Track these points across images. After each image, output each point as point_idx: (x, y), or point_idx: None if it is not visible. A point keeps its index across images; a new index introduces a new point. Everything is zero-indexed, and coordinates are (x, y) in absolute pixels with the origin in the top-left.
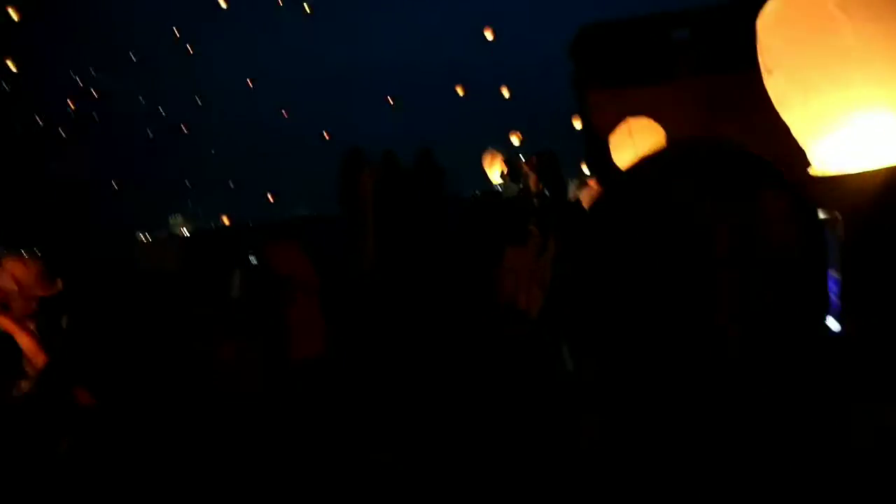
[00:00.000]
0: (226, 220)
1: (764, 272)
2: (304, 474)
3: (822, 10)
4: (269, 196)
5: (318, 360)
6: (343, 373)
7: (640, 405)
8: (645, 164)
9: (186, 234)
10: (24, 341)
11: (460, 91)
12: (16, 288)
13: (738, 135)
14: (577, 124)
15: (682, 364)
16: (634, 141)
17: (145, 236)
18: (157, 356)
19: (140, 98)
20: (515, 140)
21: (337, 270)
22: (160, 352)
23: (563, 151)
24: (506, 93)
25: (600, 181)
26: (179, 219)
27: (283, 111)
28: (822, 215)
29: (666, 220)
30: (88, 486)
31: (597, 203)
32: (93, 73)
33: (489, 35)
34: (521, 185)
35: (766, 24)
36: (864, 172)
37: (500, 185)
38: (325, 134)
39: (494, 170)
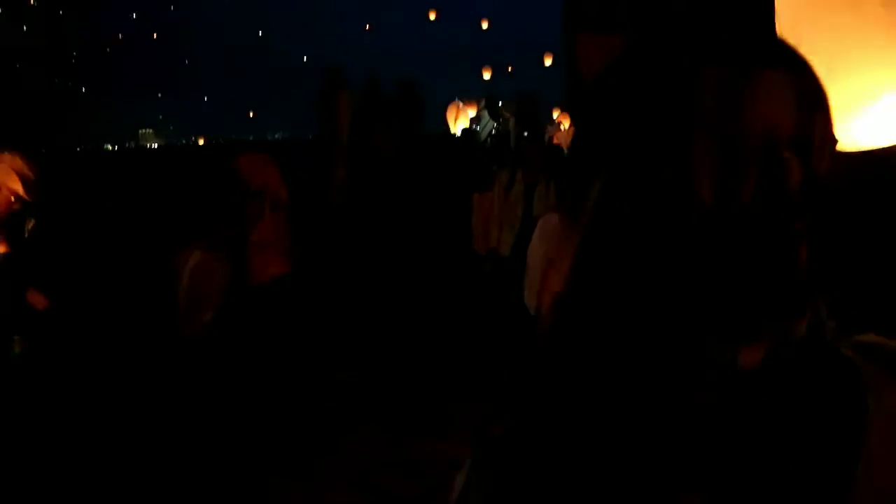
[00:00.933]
0: (200, 141)
1: (744, 150)
2: (266, 393)
3: None
4: (251, 113)
5: (282, 280)
6: (306, 293)
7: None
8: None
9: (155, 146)
10: None
11: (433, 15)
12: (19, 184)
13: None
14: (548, 61)
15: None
16: None
17: (113, 147)
18: (119, 264)
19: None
20: (487, 75)
21: (307, 191)
22: (123, 259)
23: (538, 92)
24: (484, 24)
25: (574, 122)
26: (150, 133)
27: (259, 31)
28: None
29: (655, 80)
30: (41, 389)
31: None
32: None
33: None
34: (497, 125)
35: (785, 2)
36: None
37: (475, 125)
38: (304, 58)
39: (459, 123)
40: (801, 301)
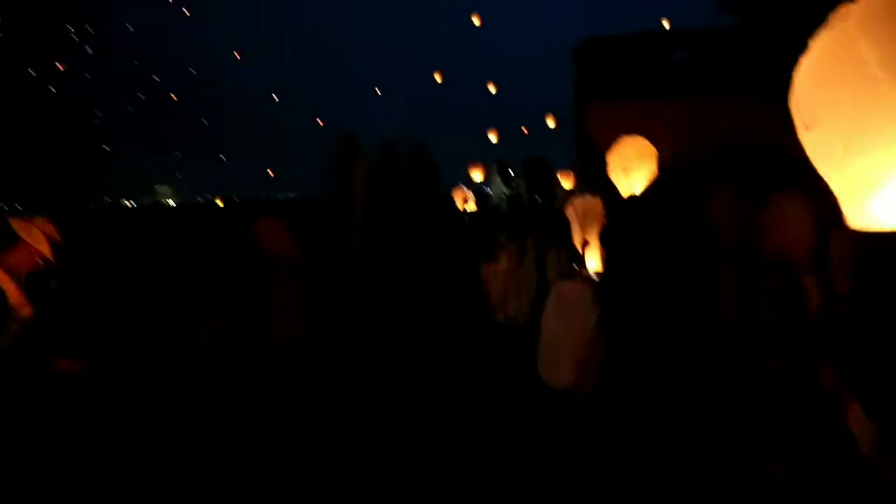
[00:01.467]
0: (219, 202)
1: (764, 270)
2: (278, 455)
3: (862, 68)
4: (269, 172)
5: (297, 342)
6: (321, 357)
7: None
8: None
9: (172, 203)
10: (13, 291)
11: (438, 78)
12: (47, 247)
13: (732, 157)
14: (550, 123)
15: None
16: (622, 158)
17: (130, 203)
18: (138, 325)
19: (134, 61)
20: (493, 137)
21: (322, 254)
22: (142, 320)
23: (549, 156)
24: (492, 88)
25: (591, 190)
26: (167, 189)
27: (272, 94)
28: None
29: (680, 214)
30: (59, 444)
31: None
32: (88, 30)
33: (476, 21)
34: (509, 190)
35: (802, 79)
36: None
37: (487, 188)
38: (318, 121)
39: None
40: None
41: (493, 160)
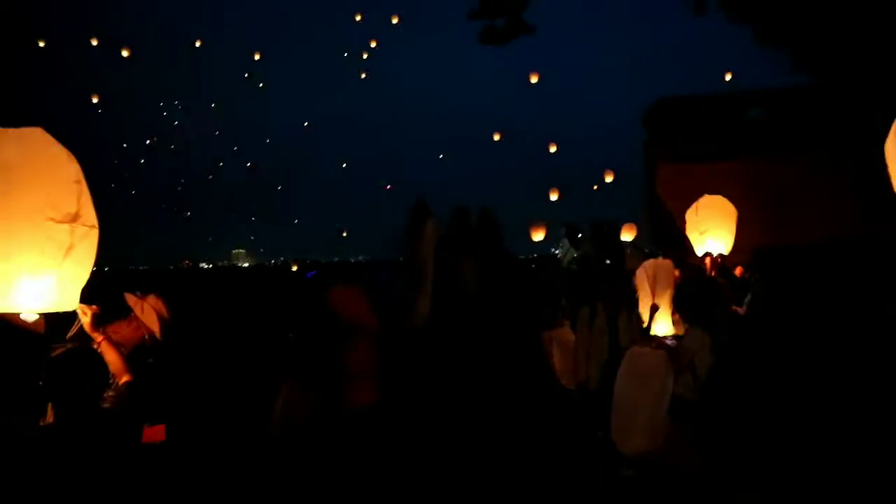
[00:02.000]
0: (293, 266)
1: None
2: None
3: None
4: (343, 233)
5: (374, 408)
6: (397, 423)
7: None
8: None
9: (246, 265)
10: (113, 358)
11: (497, 136)
12: (157, 326)
13: (803, 217)
14: (609, 178)
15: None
16: (699, 216)
17: (208, 265)
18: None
19: (216, 132)
20: (554, 196)
21: (395, 319)
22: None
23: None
24: (553, 148)
25: (664, 253)
26: (242, 252)
27: (343, 164)
28: None
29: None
30: None
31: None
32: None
33: (534, 79)
34: (577, 253)
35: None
36: None
37: (559, 251)
38: (387, 186)
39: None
40: None
41: (560, 223)
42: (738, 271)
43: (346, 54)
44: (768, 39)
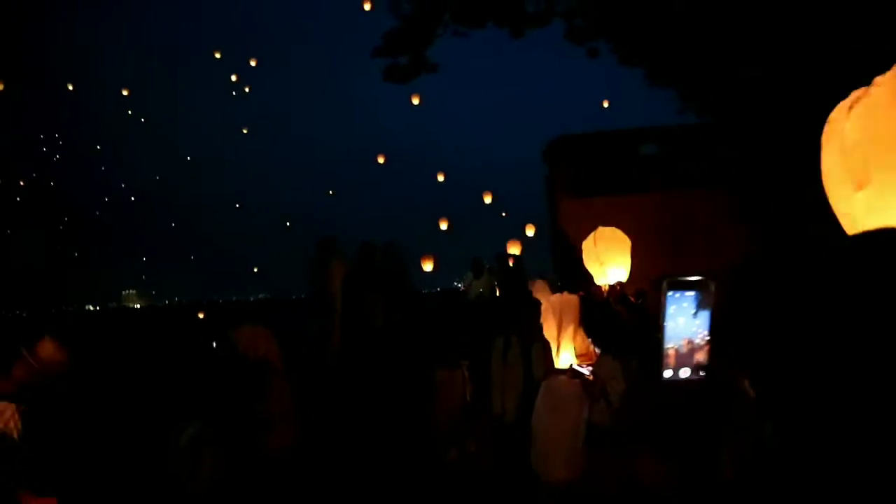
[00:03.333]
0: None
1: None
2: None
3: None
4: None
5: (294, 450)
6: (318, 462)
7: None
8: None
9: (137, 307)
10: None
11: (381, 159)
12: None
13: (700, 247)
14: (530, 231)
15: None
16: (598, 248)
17: (95, 308)
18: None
19: (102, 168)
20: (444, 225)
21: (302, 356)
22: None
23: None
24: (440, 177)
25: (566, 285)
26: (133, 293)
27: (236, 203)
28: None
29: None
30: None
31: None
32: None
33: (415, 100)
34: (483, 286)
35: (853, 139)
36: None
37: (463, 283)
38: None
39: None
40: None
41: (455, 255)
42: (632, 299)
43: (234, 93)
44: (656, 81)
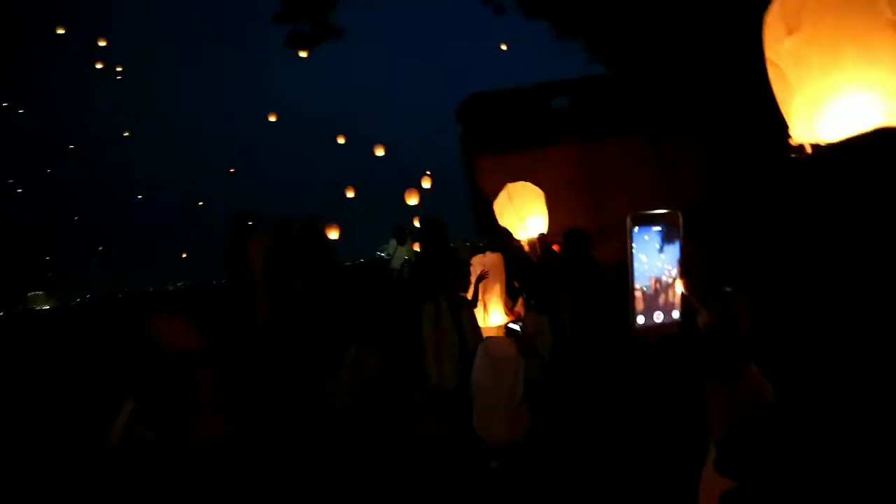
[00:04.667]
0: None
1: None
2: None
3: None
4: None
5: (220, 442)
6: (248, 452)
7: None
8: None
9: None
10: None
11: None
12: None
13: (612, 196)
14: (426, 184)
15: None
16: (514, 204)
17: None
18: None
19: None
20: (350, 194)
21: (225, 341)
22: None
23: (454, 215)
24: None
25: (490, 243)
26: (40, 294)
27: (138, 195)
28: None
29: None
30: None
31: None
32: None
33: (303, 54)
34: (407, 253)
35: None
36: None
37: (387, 252)
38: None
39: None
40: None
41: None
42: (555, 248)
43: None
44: (563, 33)
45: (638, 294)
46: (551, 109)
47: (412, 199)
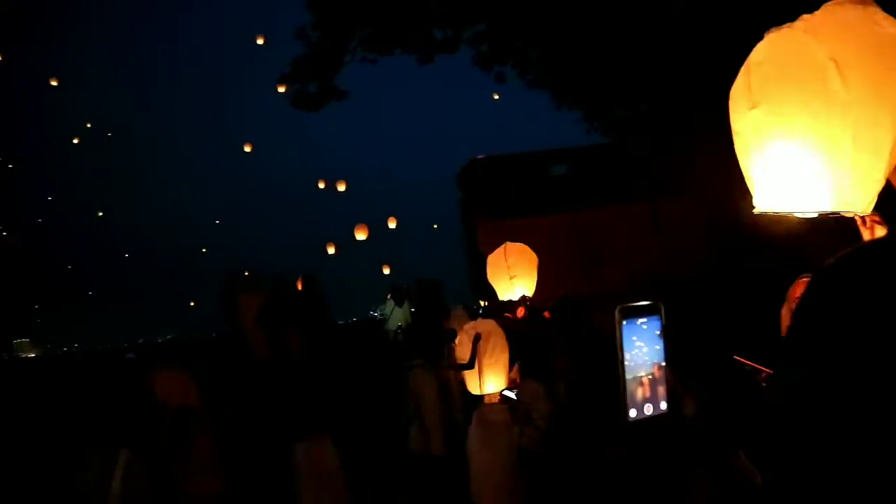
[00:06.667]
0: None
1: None
2: None
3: (814, 57)
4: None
5: (218, 499)
6: None
7: None
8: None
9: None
10: None
11: (331, 250)
12: None
13: (616, 262)
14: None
15: None
16: (508, 263)
17: None
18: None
19: None
20: (331, 250)
21: (225, 396)
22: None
23: (451, 277)
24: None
25: (488, 307)
26: (26, 342)
27: (125, 255)
28: None
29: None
30: None
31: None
32: None
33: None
34: (404, 315)
35: (758, 60)
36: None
37: (383, 312)
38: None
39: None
40: None
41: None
42: (546, 315)
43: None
44: (562, 102)
45: (629, 388)
46: (550, 176)
47: (361, 235)
